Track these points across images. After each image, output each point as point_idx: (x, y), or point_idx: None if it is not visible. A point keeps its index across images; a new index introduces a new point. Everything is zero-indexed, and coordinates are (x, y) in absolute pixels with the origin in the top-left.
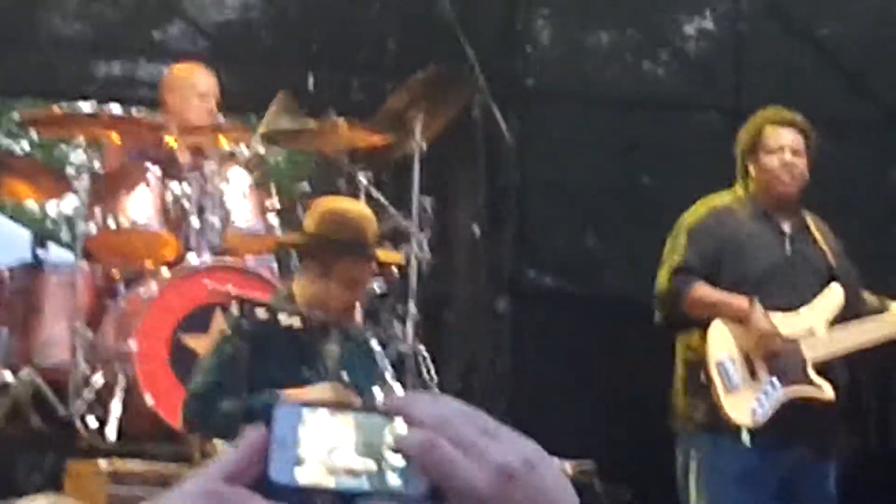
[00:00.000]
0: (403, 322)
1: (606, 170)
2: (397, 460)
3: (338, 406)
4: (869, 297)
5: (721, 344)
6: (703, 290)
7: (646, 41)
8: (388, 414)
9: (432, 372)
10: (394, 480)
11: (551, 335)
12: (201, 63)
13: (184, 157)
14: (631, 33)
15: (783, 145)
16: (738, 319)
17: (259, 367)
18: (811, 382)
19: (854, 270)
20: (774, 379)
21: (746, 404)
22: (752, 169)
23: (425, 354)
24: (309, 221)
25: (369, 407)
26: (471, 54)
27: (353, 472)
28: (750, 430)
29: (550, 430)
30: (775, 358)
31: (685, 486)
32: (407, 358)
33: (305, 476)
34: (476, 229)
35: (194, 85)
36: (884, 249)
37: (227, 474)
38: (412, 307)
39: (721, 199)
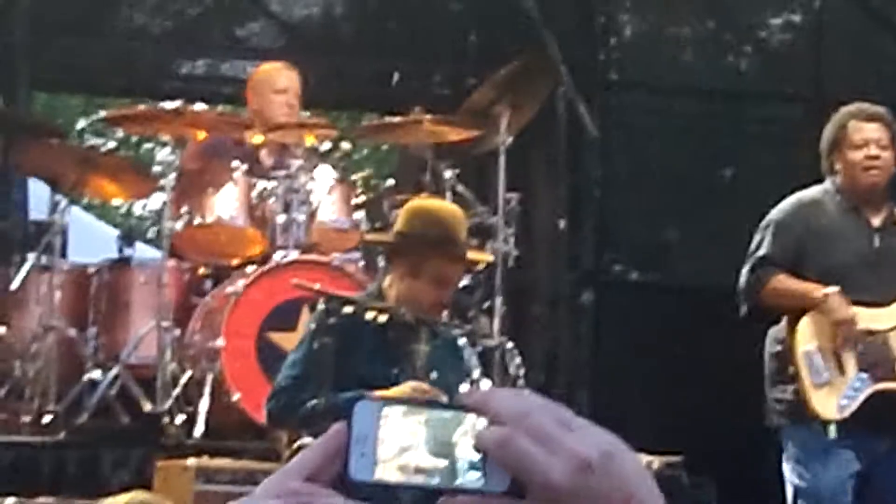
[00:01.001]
0: (490, 316)
1: (688, 162)
2: (474, 456)
3: (415, 403)
4: None
5: (809, 336)
6: (781, 280)
7: (727, 33)
8: (464, 410)
9: (518, 365)
10: (471, 476)
11: (635, 327)
12: (284, 59)
13: (269, 154)
14: (712, 25)
15: (867, 139)
16: (817, 307)
17: (346, 364)
18: None
19: None
20: (863, 374)
21: (834, 398)
22: (837, 165)
23: (511, 348)
24: (400, 220)
25: (445, 403)
26: (553, 47)
27: (424, 471)
28: (837, 423)
29: (634, 423)
30: (864, 353)
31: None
32: (494, 352)
33: (384, 473)
34: (559, 223)
35: (274, 82)
36: None
37: (308, 472)
38: (498, 302)
39: (810, 193)
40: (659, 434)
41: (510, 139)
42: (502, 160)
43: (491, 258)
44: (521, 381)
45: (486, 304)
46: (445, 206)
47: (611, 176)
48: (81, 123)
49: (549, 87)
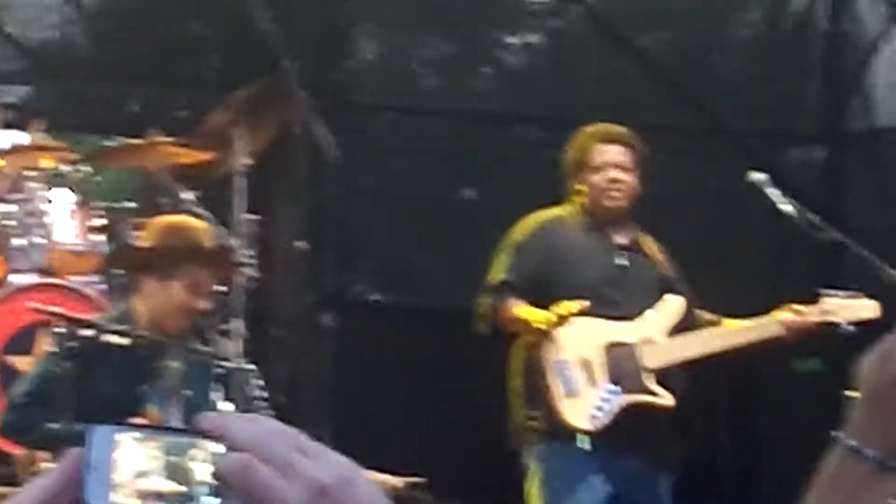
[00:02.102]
0: (229, 338)
1: (430, 183)
2: (210, 482)
3: (150, 428)
4: (700, 314)
5: (561, 347)
6: (510, 310)
7: (468, 54)
8: (201, 435)
9: (260, 388)
10: (208, 502)
11: (378, 349)
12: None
13: (4, 179)
14: (453, 46)
15: (608, 162)
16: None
17: (90, 387)
18: (649, 391)
19: (685, 285)
20: (614, 385)
21: (586, 409)
22: (580, 186)
23: (252, 371)
24: (147, 236)
25: (182, 429)
26: (291, 69)
27: (162, 496)
28: (589, 435)
29: (379, 446)
30: (614, 364)
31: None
32: (234, 375)
33: (120, 498)
34: (299, 244)
35: None
36: (710, 261)
37: (44, 498)
38: (239, 324)
39: (551, 213)
40: (404, 457)
41: (249, 162)
42: (240, 181)
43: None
44: (262, 405)
45: (226, 327)
46: (188, 218)
47: (353, 198)
48: None
49: (288, 110)
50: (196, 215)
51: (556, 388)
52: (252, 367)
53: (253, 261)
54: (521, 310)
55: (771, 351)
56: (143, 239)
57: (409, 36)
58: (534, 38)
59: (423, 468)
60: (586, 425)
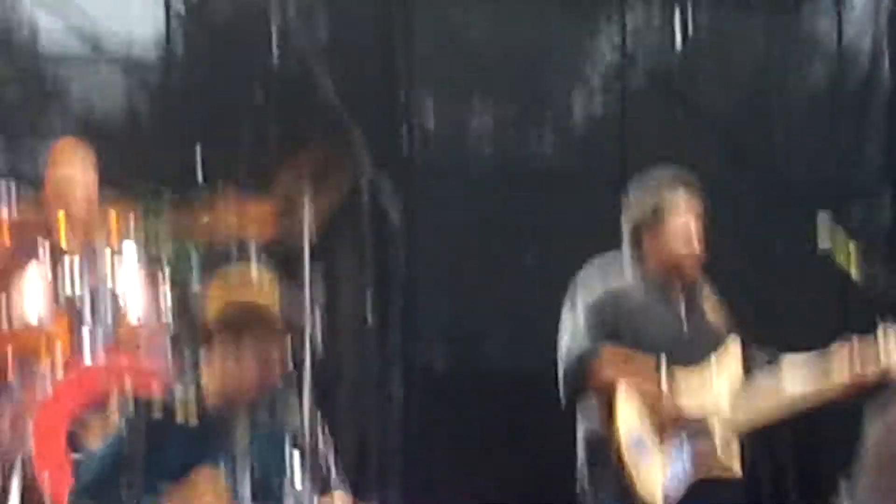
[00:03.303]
0: (300, 406)
1: (494, 248)
2: None
3: None
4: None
5: (629, 420)
6: (610, 351)
7: (528, 118)
8: None
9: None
10: None
11: (444, 415)
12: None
13: (74, 249)
14: (512, 110)
15: (684, 207)
16: (648, 374)
17: (156, 465)
18: (721, 462)
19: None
20: (685, 456)
21: (658, 481)
22: (648, 237)
23: (322, 437)
24: (211, 308)
25: None
26: (356, 135)
27: None
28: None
29: None
30: (687, 435)
31: None
32: (305, 440)
33: None
34: (367, 315)
35: (73, 177)
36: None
37: None
38: (307, 391)
39: (613, 267)
40: None
41: (315, 227)
42: (306, 249)
43: None
44: (332, 468)
45: (295, 397)
46: (254, 288)
47: (418, 264)
48: None
49: (352, 176)
50: (262, 281)
51: (628, 459)
52: (321, 433)
53: (320, 329)
54: (625, 350)
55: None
56: (208, 311)
57: (469, 100)
58: (596, 105)
59: None
60: (659, 498)
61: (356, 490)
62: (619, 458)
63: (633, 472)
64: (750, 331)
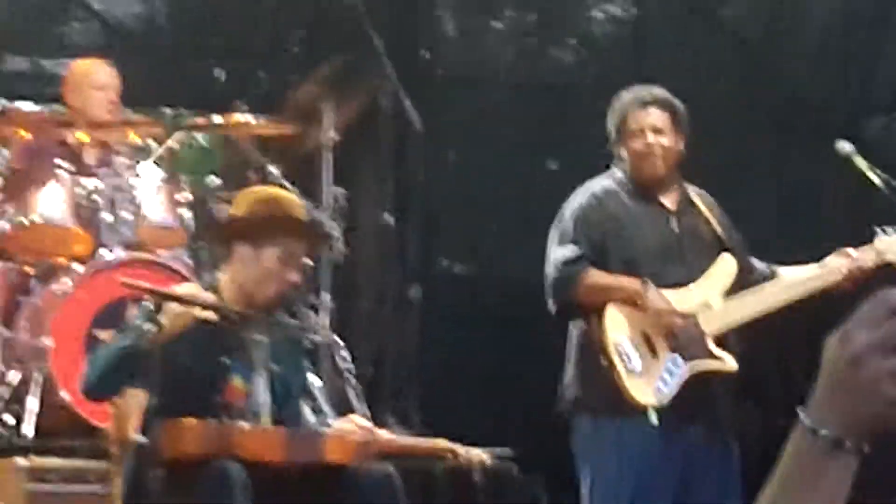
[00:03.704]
0: (317, 312)
1: (513, 155)
2: None
3: None
4: (758, 265)
5: (618, 327)
6: (594, 276)
7: (548, 26)
8: None
9: (347, 361)
10: None
11: (463, 320)
12: (106, 58)
13: (94, 153)
14: (533, 18)
15: (643, 126)
16: (633, 302)
17: (175, 358)
18: (713, 356)
19: (742, 240)
20: (676, 356)
21: (650, 384)
22: (622, 152)
23: (340, 344)
24: (239, 206)
25: None
26: (377, 43)
27: None
28: (656, 409)
29: (464, 417)
30: (675, 335)
31: (582, 469)
32: (322, 348)
33: None
34: (387, 218)
35: (92, 79)
36: (768, 219)
37: None
38: (326, 298)
39: (602, 183)
40: (489, 429)
41: (336, 136)
42: (328, 156)
43: None
44: (349, 377)
45: (314, 300)
46: (281, 190)
47: (437, 171)
48: None
49: (374, 84)
50: (284, 189)
51: (618, 365)
52: (339, 340)
53: (342, 235)
54: (609, 276)
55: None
56: (236, 208)
57: (489, 9)
58: (614, 10)
59: (510, 441)
60: (652, 400)
61: (371, 400)
62: (610, 363)
63: (623, 376)
64: (755, 246)
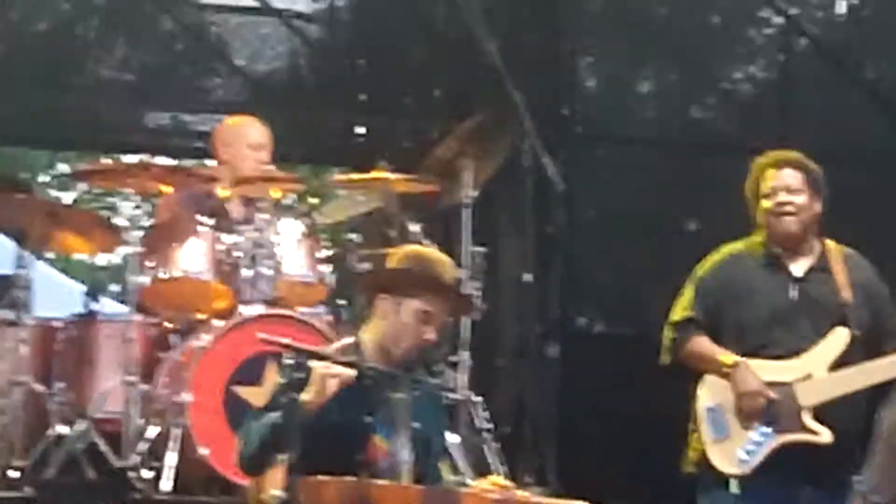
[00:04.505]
0: (456, 369)
1: (653, 213)
2: None
3: None
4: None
5: (712, 394)
6: (697, 344)
7: (690, 85)
8: None
9: (486, 419)
10: None
11: (601, 379)
12: (248, 113)
13: (236, 208)
14: (675, 77)
15: (776, 187)
16: (725, 376)
17: (318, 417)
18: (806, 429)
19: (887, 300)
20: (766, 427)
21: (733, 453)
22: (758, 215)
23: (478, 402)
24: (390, 261)
25: None
26: (518, 100)
27: None
28: (738, 478)
29: (602, 477)
30: (769, 406)
31: None
32: (461, 406)
33: None
34: (526, 276)
35: (247, 136)
36: None
37: None
38: (465, 355)
39: (735, 247)
40: (628, 489)
41: (475, 193)
42: (466, 213)
43: None
44: (488, 435)
45: (453, 358)
46: (435, 251)
47: (576, 228)
48: (44, 177)
49: (514, 140)
50: (423, 246)
51: (706, 432)
52: (478, 397)
53: (480, 292)
54: (709, 347)
55: None
56: (388, 262)
57: (630, 66)
58: (758, 70)
59: (646, 501)
60: (734, 470)
61: (509, 459)
62: (696, 429)
63: (708, 443)
64: None
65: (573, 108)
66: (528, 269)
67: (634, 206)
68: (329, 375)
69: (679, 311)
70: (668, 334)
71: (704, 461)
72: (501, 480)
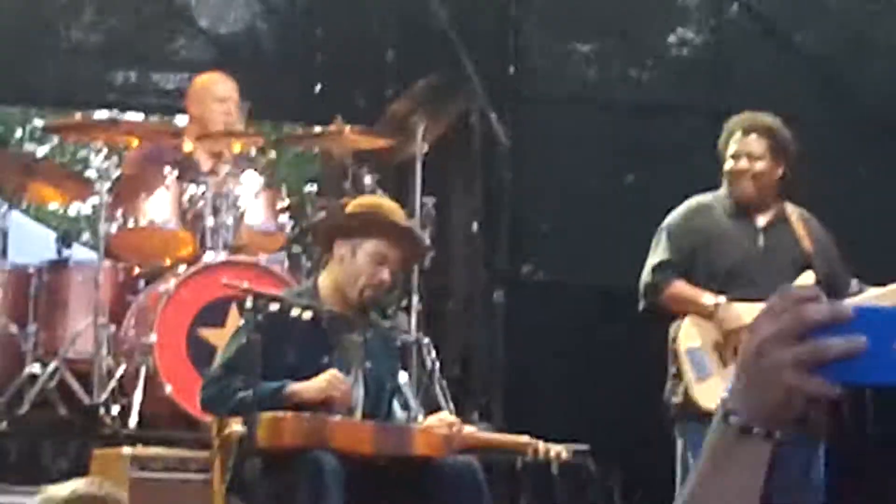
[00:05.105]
0: (408, 313)
1: (593, 169)
2: None
3: None
4: (855, 286)
5: (693, 335)
6: (678, 287)
7: (629, 48)
8: None
9: (434, 360)
10: None
11: (545, 324)
12: (212, 71)
13: (204, 161)
14: (614, 41)
15: (739, 151)
16: (708, 315)
17: (273, 356)
18: None
19: (838, 259)
20: None
21: (717, 391)
22: (723, 173)
23: (428, 344)
24: (347, 209)
25: None
26: (468, 63)
27: None
28: None
29: (545, 415)
30: None
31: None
32: (411, 347)
33: None
34: (474, 226)
35: (214, 91)
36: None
37: None
38: (416, 300)
39: (704, 197)
40: (569, 426)
41: (427, 148)
42: (419, 167)
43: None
44: (437, 375)
45: (405, 303)
46: (388, 200)
47: (521, 183)
48: (19, 132)
49: (464, 100)
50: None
51: (689, 373)
52: (427, 340)
53: (431, 241)
54: (690, 289)
55: None
56: (336, 214)
57: (573, 34)
58: (692, 35)
59: (587, 437)
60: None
61: (457, 398)
62: (680, 370)
63: (692, 383)
64: (853, 266)
65: (519, 70)
66: (476, 220)
67: (575, 161)
68: (336, 389)
69: (655, 257)
70: (646, 278)
71: (688, 400)
72: (449, 418)
